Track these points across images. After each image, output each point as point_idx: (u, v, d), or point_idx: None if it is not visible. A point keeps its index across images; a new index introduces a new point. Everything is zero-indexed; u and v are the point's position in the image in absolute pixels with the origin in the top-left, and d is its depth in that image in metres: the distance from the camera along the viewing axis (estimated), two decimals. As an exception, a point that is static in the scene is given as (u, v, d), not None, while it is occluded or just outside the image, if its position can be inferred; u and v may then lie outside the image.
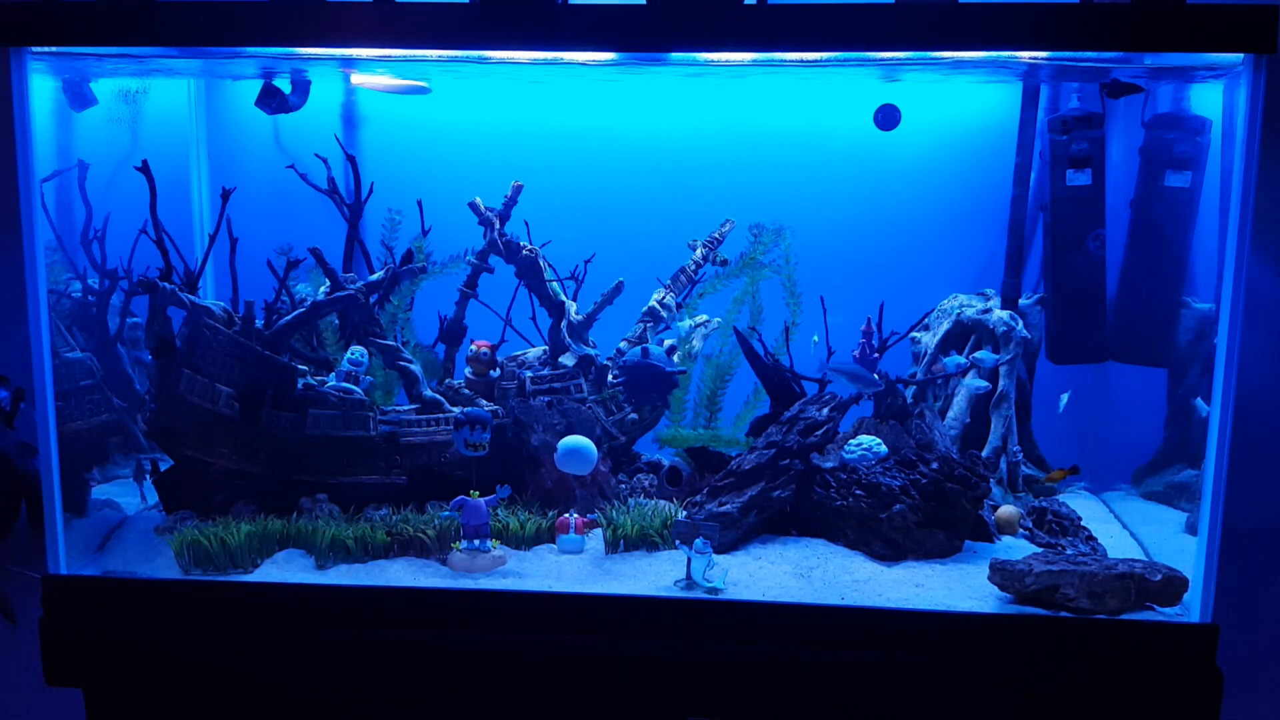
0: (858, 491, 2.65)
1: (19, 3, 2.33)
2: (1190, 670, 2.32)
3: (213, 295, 3.00)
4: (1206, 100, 2.87)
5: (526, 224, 2.88)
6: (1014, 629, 2.36)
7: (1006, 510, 2.81)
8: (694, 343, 3.05)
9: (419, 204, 2.96)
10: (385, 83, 2.96)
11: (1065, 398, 2.98)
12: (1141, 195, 2.98)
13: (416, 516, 2.69)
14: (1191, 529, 2.73)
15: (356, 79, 2.97)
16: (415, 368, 2.86)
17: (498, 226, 2.91)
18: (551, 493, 2.77)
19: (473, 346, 2.96)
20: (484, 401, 2.88)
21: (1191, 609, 2.36)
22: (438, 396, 2.83)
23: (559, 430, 2.74)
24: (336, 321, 3.01)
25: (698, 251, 3.07)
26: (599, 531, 2.70)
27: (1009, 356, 2.95)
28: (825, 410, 2.79)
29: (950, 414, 3.01)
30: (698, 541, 2.54)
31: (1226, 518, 2.33)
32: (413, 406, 2.84)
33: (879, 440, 2.74)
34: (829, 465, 2.73)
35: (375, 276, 2.89)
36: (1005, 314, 2.99)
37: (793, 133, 3.15)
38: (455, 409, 2.80)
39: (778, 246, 3.06)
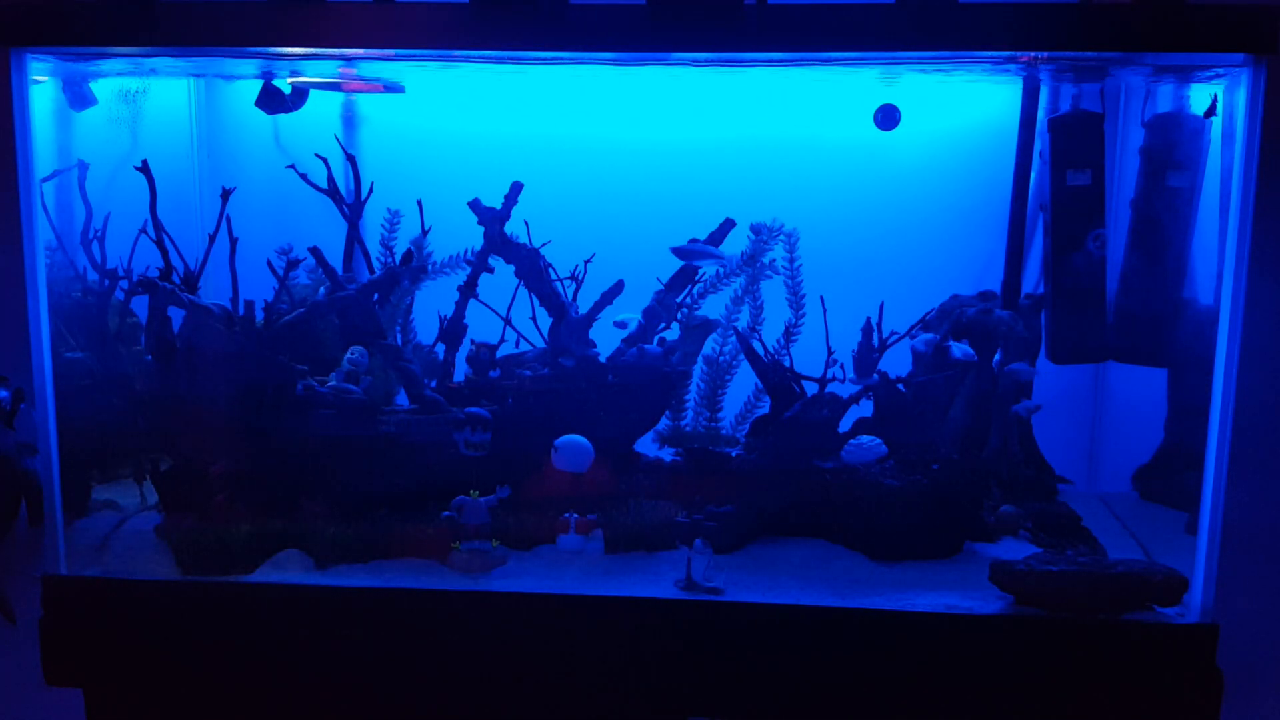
0: (857, 492, 2.64)
1: (19, 3, 2.33)
2: (1190, 670, 2.32)
3: (212, 295, 3.00)
4: (1207, 100, 2.86)
5: (526, 224, 2.88)
6: (1014, 629, 2.36)
7: (1007, 511, 2.81)
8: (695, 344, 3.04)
9: (419, 204, 2.96)
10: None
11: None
12: (1142, 195, 2.98)
13: (416, 516, 2.68)
14: (1191, 529, 2.73)
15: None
16: (415, 368, 2.86)
17: (498, 226, 2.91)
18: (551, 492, 2.77)
19: (471, 346, 2.96)
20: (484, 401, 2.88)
21: (1191, 609, 2.36)
22: (438, 397, 2.83)
23: None
24: (337, 321, 3.00)
25: (698, 251, 3.07)
26: (599, 531, 2.70)
27: (1025, 369, 2.93)
28: (825, 410, 2.78)
29: (950, 414, 3.00)
30: (697, 542, 2.54)
31: (1226, 518, 2.33)
32: (413, 407, 2.84)
33: (879, 440, 2.73)
34: (829, 465, 2.72)
35: (375, 276, 2.89)
36: (1005, 314, 2.99)
37: (792, 132, 3.14)
38: (454, 409, 2.80)
39: (776, 245, 3.06)
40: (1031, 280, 3.12)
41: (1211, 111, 2.53)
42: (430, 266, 3.10)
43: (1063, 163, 2.95)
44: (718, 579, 2.47)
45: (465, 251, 3.06)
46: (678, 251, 2.89)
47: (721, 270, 2.98)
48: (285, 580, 2.53)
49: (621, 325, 2.95)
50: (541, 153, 3.14)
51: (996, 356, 2.95)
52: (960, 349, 2.84)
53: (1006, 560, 2.45)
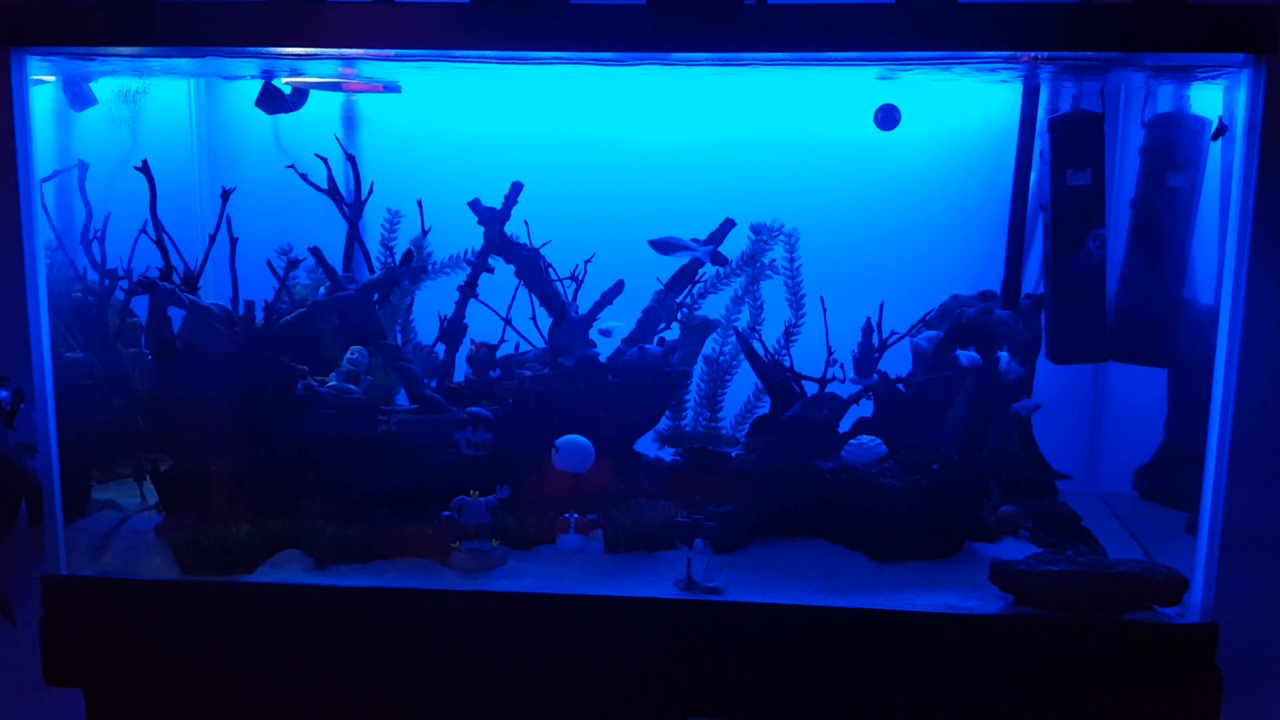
0: (857, 492, 2.64)
1: (19, 3, 2.33)
2: (1190, 670, 2.32)
3: (213, 295, 3.00)
4: (1207, 100, 2.87)
5: (526, 224, 2.89)
6: (1014, 629, 2.36)
7: (1007, 511, 2.81)
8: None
9: (419, 204, 2.96)
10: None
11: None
12: (1142, 195, 2.98)
13: (416, 516, 2.68)
14: (1191, 529, 2.73)
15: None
16: (415, 368, 2.86)
17: (498, 226, 2.91)
18: (551, 492, 2.77)
19: (471, 347, 2.96)
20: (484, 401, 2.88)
21: (1191, 609, 2.36)
22: (438, 397, 2.83)
23: None
24: (337, 322, 3.00)
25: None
26: (599, 531, 2.70)
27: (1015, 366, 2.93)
28: (825, 410, 2.78)
29: (950, 414, 3.00)
30: (697, 542, 2.55)
31: (1226, 518, 2.33)
32: (413, 407, 2.84)
33: (879, 440, 2.73)
34: (829, 465, 2.72)
35: (375, 276, 2.90)
36: (1005, 314, 2.99)
37: (792, 132, 3.14)
38: (455, 409, 2.80)
39: (776, 245, 3.06)
40: (1031, 280, 3.12)
41: (1218, 134, 2.53)
42: (430, 266, 3.10)
43: (1063, 163, 2.94)
44: (718, 579, 2.47)
45: (465, 251, 3.06)
46: (655, 244, 2.89)
47: (705, 262, 2.96)
48: (285, 580, 2.53)
49: (606, 333, 2.95)
50: (541, 153, 3.14)
51: (1004, 358, 2.95)
52: (968, 357, 2.84)
53: (1006, 560, 2.45)
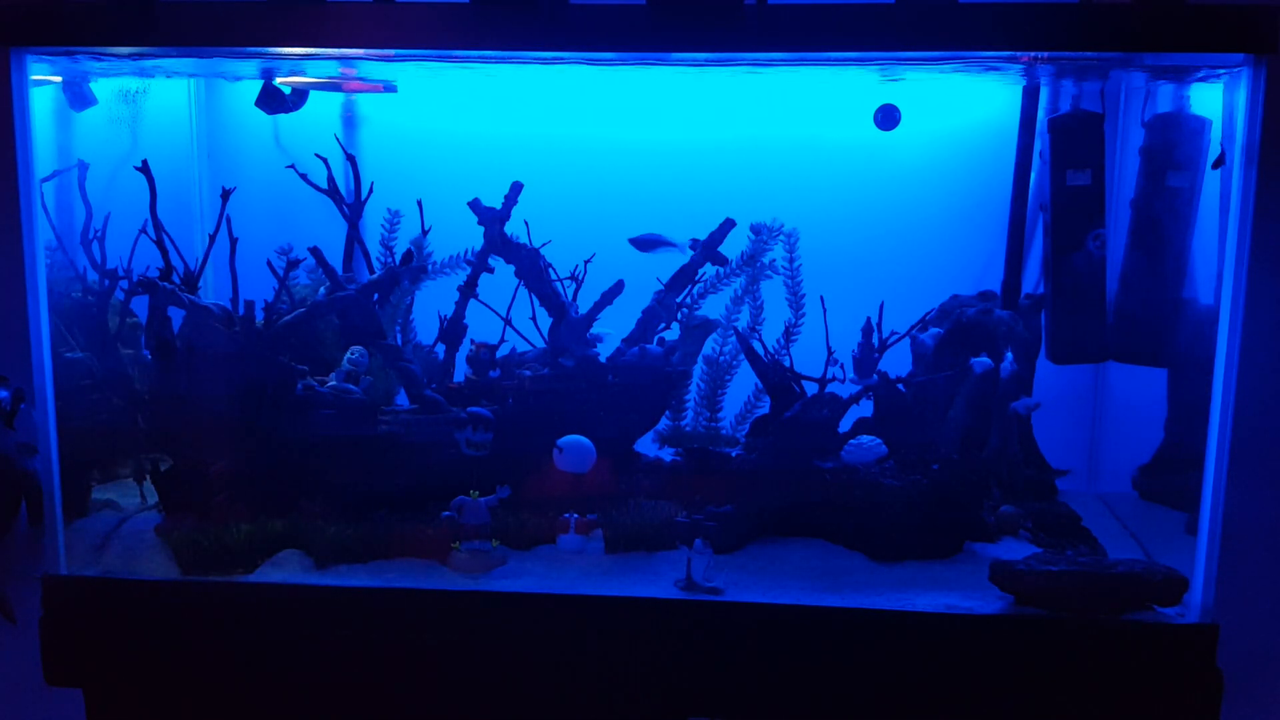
0: (857, 492, 2.64)
1: (19, 3, 2.33)
2: (1190, 670, 2.32)
3: (213, 295, 3.01)
4: (1206, 100, 2.87)
5: (526, 224, 2.89)
6: (1014, 629, 2.36)
7: (1007, 511, 2.80)
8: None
9: (419, 204, 2.96)
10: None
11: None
12: (1142, 195, 2.98)
13: (416, 516, 2.68)
14: (1191, 529, 2.73)
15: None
16: (415, 368, 2.86)
17: (498, 226, 2.91)
18: (551, 492, 2.77)
19: (471, 347, 2.96)
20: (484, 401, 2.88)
21: (1191, 609, 2.36)
22: (438, 397, 2.83)
23: None
24: (337, 322, 3.00)
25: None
26: (599, 531, 2.70)
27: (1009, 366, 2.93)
28: (825, 410, 2.78)
29: (950, 414, 3.00)
30: (697, 542, 2.54)
31: (1226, 518, 2.33)
32: (413, 407, 2.84)
33: (879, 440, 2.73)
34: (829, 465, 2.72)
35: (375, 276, 2.90)
36: (1005, 314, 2.99)
37: (792, 132, 3.15)
38: (455, 409, 2.80)
39: (776, 245, 3.06)
40: (1031, 280, 3.12)
41: (1218, 164, 2.53)
42: (430, 266, 3.10)
43: (1063, 163, 2.94)
44: (718, 579, 2.47)
45: (465, 251, 3.06)
46: (636, 242, 2.89)
47: (686, 256, 2.97)
48: (285, 580, 2.53)
49: (598, 338, 2.95)
50: (541, 153, 3.14)
51: (1009, 359, 2.95)
52: (981, 364, 2.83)
53: (1006, 560, 2.45)
